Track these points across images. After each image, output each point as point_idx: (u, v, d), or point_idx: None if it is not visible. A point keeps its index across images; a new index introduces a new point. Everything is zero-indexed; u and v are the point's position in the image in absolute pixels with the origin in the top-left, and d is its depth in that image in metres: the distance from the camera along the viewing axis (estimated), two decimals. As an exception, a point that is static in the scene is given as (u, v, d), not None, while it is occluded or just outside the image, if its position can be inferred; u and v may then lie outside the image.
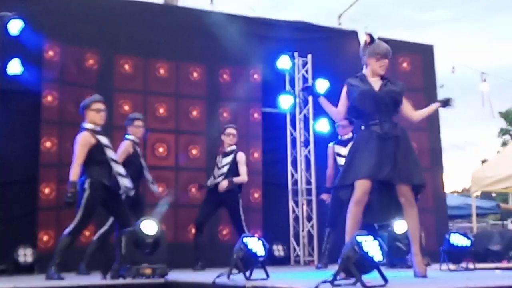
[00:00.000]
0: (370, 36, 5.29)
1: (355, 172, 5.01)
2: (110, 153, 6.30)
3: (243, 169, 7.97)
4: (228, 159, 7.97)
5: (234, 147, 8.03)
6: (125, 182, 6.31)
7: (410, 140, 5.25)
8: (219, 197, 7.88)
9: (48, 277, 5.96)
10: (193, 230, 8.11)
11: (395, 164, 5.02)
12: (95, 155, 6.19)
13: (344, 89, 5.25)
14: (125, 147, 7.20)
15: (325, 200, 8.07)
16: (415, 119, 5.40)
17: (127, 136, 7.31)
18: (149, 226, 5.89)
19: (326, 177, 7.96)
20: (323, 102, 5.31)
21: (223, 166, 7.95)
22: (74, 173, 6.13)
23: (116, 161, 6.36)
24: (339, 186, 5.23)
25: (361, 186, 4.97)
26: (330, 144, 7.96)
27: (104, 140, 6.30)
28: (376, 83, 5.18)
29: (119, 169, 6.34)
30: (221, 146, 8.08)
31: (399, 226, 7.32)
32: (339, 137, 7.92)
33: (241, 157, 8.01)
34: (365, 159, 4.99)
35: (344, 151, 7.42)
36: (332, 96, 7.34)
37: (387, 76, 5.25)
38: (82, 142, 6.19)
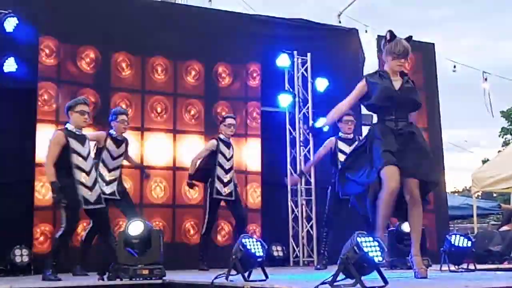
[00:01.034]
0: (391, 33, 5.16)
1: (382, 162, 4.85)
2: (75, 159, 6.20)
3: None
4: (232, 150, 8.01)
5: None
6: (83, 192, 6.21)
7: (425, 139, 5.23)
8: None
9: (44, 279, 5.90)
10: (203, 230, 7.97)
11: (408, 158, 4.92)
12: (62, 157, 6.14)
13: (362, 83, 5.18)
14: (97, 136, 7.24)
15: (286, 183, 8.20)
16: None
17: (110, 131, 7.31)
18: (135, 227, 5.83)
19: (308, 162, 7.95)
20: (328, 120, 5.46)
21: (231, 158, 7.98)
22: (49, 174, 6.11)
23: (81, 168, 6.24)
24: (369, 181, 4.98)
25: (394, 174, 4.82)
26: (332, 138, 7.83)
27: (75, 145, 6.22)
28: (397, 81, 5.14)
29: (80, 177, 6.22)
30: (216, 135, 8.02)
31: (407, 226, 7.29)
32: (341, 134, 7.81)
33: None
34: (387, 148, 4.89)
35: (348, 149, 7.33)
36: (332, 94, 7.30)
37: (407, 73, 5.22)
38: (54, 141, 6.17)
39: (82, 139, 6.32)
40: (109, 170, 7.19)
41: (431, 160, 5.19)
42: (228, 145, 8.02)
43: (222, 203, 8.01)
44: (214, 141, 7.95)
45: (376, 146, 4.97)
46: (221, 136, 7.99)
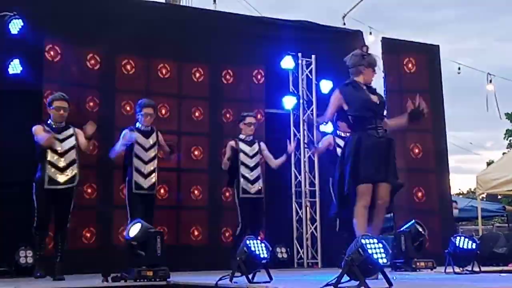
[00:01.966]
0: (368, 48, 5.71)
1: (360, 177, 5.32)
2: (49, 155, 6.49)
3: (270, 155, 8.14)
4: (255, 147, 8.00)
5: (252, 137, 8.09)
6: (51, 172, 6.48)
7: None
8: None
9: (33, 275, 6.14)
10: (237, 232, 7.89)
11: (388, 165, 5.43)
12: (39, 152, 6.53)
13: (337, 95, 5.60)
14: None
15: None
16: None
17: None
18: (134, 229, 5.83)
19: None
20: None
21: (255, 155, 7.97)
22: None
23: (53, 164, 6.52)
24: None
25: (369, 190, 5.32)
26: (330, 135, 8.03)
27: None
28: (370, 92, 5.59)
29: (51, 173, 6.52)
30: (236, 137, 8.03)
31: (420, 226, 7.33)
32: (338, 132, 7.93)
33: (264, 144, 8.16)
34: (368, 163, 5.34)
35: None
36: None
37: (371, 85, 5.68)
38: (34, 131, 6.62)
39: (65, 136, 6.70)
40: (145, 162, 7.25)
41: (396, 167, 5.61)
42: (249, 143, 8.01)
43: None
44: (231, 143, 7.98)
45: (359, 161, 5.36)
46: (241, 136, 8.00)
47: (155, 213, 7.41)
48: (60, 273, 6.43)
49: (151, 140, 7.33)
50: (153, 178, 7.30)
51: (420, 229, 7.35)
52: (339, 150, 7.57)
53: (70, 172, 6.61)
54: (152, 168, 7.29)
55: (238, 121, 8.13)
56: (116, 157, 7.39)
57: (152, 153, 7.32)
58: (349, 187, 5.38)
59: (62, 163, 6.60)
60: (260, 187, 7.93)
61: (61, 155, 6.61)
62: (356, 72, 5.62)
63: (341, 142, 7.68)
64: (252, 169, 7.92)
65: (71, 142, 6.68)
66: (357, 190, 5.34)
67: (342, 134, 7.77)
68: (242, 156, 7.90)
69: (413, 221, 7.50)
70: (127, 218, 7.08)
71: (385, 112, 5.73)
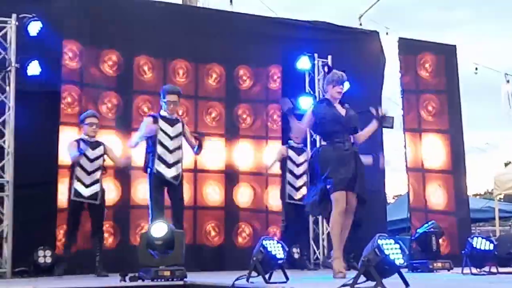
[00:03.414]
0: (328, 66, 6.35)
1: (335, 185, 5.68)
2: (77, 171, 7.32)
3: None
4: (305, 156, 8.35)
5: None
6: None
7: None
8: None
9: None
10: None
11: (356, 176, 5.76)
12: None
13: (309, 112, 6.03)
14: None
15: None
16: (359, 141, 6.03)
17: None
18: (159, 229, 5.84)
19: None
20: (291, 118, 6.13)
21: (301, 164, 8.37)
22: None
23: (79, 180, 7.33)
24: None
25: (343, 197, 5.69)
26: None
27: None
28: (340, 108, 5.97)
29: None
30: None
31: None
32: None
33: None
34: (337, 172, 5.71)
35: None
36: (352, 97, 7.34)
37: (344, 101, 6.04)
38: (68, 147, 7.54)
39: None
40: (170, 152, 6.92)
41: (364, 178, 5.93)
42: (299, 151, 8.44)
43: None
44: (283, 147, 8.54)
45: (327, 169, 5.73)
46: (291, 143, 8.47)
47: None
48: (103, 270, 7.00)
49: (176, 130, 6.97)
50: (179, 168, 6.95)
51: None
52: None
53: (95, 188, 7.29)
54: (177, 158, 6.93)
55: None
56: (135, 147, 7.17)
57: (176, 143, 6.96)
58: (322, 196, 5.78)
59: (88, 180, 7.27)
60: (302, 195, 8.19)
61: (88, 173, 7.28)
62: (326, 90, 6.10)
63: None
64: (298, 177, 8.40)
65: (99, 162, 7.37)
66: (333, 197, 5.69)
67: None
68: (289, 164, 8.41)
69: (433, 221, 7.49)
70: (148, 215, 6.96)
71: (356, 125, 5.97)
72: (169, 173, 6.87)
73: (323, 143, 6.05)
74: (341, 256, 5.76)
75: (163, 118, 6.97)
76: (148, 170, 6.91)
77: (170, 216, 6.81)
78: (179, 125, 7.04)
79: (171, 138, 6.93)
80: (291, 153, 8.30)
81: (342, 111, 5.95)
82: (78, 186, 7.26)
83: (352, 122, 5.95)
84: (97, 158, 7.38)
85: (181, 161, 7.02)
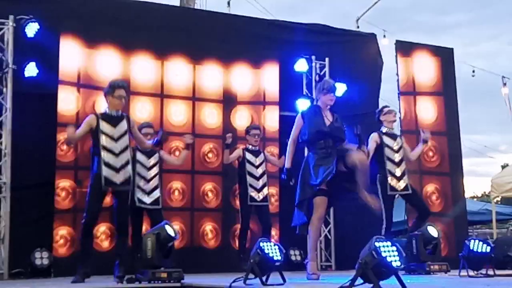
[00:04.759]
0: (319, 75, 6.45)
1: (315, 190, 5.85)
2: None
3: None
4: (262, 157, 8.36)
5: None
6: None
7: None
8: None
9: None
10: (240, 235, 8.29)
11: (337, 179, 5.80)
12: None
13: (299, 117, 6.14)
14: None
15: None
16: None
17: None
18: (171, 230, 5.84)
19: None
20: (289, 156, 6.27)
21: (261, 164, 8.30)
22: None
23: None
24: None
25: (323, 203, 5.89)
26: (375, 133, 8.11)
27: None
28: (328, 116, 6.06)
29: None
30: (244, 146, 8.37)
31: (433, 229, 7.30)
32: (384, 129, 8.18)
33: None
34: (317, 180, 5.82)
35: None
36: (350, 99, 7.34)
37: (335, 111, 6.15)
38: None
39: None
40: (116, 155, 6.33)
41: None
42: (256, 153, 8.32)
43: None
44: (239, 149, 8.37)
45: (308, 176, 5.92)
46: (248, 146, 8.33)
47: (170, 214, 7.42)
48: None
49: (121, 129, 6.25)
50: (127, 172, 6.21)
51: (433, 233, 7.31)
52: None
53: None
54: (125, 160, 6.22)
55: (245, 133, 8.43)
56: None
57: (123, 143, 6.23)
58: (305, 199, 5.94)
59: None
60: (264, 196, 8.27)
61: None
62: (318, 98, 6.21)
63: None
64: (258, 178, 8.27)
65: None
66: (313, 202, 5.87)
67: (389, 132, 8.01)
68: (248, 166, 8.25)
69: (426, 224, 7.47)
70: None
71: (342, 136, 6.03)
72: (116, 177, 6.15)
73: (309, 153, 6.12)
74: (316, 258, 6.07)
75: (105, 116, 6.29)
76: (93, 172, 6.22)
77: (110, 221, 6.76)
78: (124, 122, 6.31)
79: (116, 140, 6.23)
80: (248, 155, 8.23)
81: (328, 121, 6.03)
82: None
83: (336, 132, 6.00)
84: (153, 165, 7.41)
85: (130, 162, 6.30)
